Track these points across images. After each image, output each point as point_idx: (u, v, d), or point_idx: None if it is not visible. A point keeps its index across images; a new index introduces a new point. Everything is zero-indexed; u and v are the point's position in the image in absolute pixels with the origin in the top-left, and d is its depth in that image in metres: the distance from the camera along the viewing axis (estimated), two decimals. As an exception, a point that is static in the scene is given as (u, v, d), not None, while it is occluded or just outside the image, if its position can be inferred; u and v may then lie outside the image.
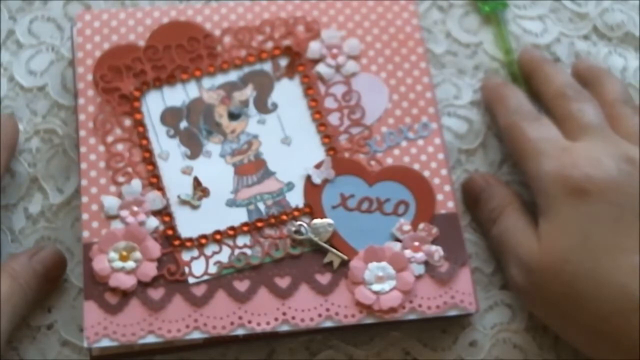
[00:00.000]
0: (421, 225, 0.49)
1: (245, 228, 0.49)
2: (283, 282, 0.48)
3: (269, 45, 0.54)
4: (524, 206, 0.51)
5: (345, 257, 0.49)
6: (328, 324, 0.47)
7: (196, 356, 0.49)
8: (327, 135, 0.52)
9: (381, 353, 0.50)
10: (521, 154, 0.51)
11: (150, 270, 0.47)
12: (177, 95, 0.52)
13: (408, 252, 0.49)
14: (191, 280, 0.48)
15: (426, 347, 0.50)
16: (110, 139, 0.51)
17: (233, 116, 0.52)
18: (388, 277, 0.48)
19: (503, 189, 0.53)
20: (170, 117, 0.52)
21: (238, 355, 0.50)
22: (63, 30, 0.57)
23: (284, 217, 0.50)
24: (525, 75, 0.56)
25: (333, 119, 0.52)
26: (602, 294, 0.45)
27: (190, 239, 0.49)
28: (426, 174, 0.51)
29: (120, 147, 0.50)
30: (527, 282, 0.48)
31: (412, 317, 0.48)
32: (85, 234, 0.48)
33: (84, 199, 0.49)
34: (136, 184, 0.49)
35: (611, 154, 0.48)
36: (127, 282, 0.47)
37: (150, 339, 0.46)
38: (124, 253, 0.48)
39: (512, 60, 0.57)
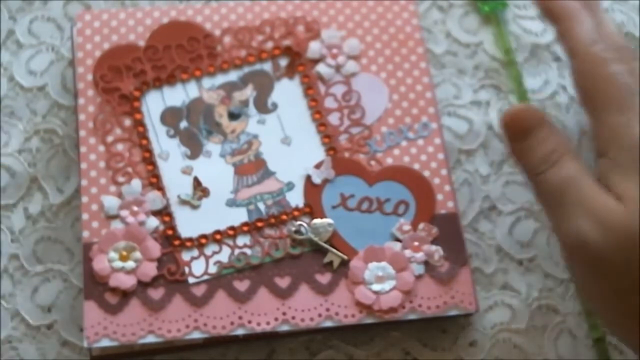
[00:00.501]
0: (421, 225, 0.49)
1: (245, 228, 0.49)
2: (283, 282, 0.48)
3: (269, 45, 0.54)
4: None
5: (345, 257, 0.49)
6: (328, 324, 0.47)
7: (196, 356, 0.49)
8: (327, 135, 0.52)
9: (381, 353, 0.50)
10: (604, 100, 0.46)
11: (150, 270, 0.47)
12: (177, 95, 0.52)
13: (408, 252, 0.49)
14: (191, 280, 0.48)
15: (426, 347, 0.50)
16: (110, 138, 0.51)
17: (233, 116, 0.52)
18: (388, 277, 0.48)
19: (560, 131, 0.47)
20: (170, 117, 0.52)
21: (238, 355, 0.50)
22: (63, 30, 0.57)
23: (284, 217, 0.50)
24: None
25: (333, 118, 0.52)
26: None
27: (190, 239, 0.49)
28: (426, 174, 0.51)
29: (120, 147, 0.51)
30: (606, 240, 0.42)
31: (412, 317, 0.48)
32: (85, 234, 0.48)
33: (84, 199, 0.49)
34: (136, 183, 0.49)
35: None
36: (127, 282, 0.47)
37: (150, 339, 0.46)
38: (124, 253, 0.48)
39: (512, 60, 0.57)
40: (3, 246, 0.51)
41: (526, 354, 0.50)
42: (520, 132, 0.47)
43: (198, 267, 0.48)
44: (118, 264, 0.47)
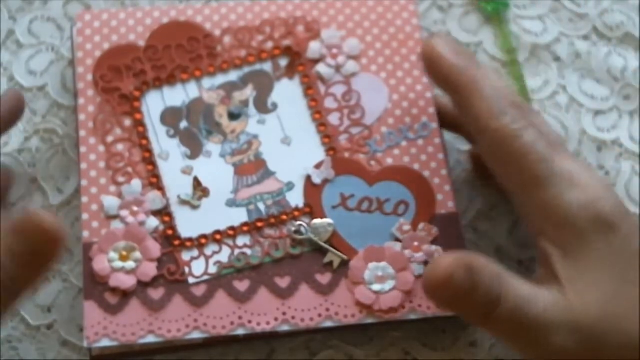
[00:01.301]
0: (421, 225, 0.49)
1: (245, 228, 0.49)
2: (283, 282, 0.48)
3: (269, 45, 0.54)
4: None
5: (345, 257, 0.49)
6: (328, 324, 0.47)
7: (196, 356, 0.49)
8: (327, 135, 0.52)
9: (381, 353, 0.50)
10: (525, 176, 0.44)
11: (150, 270, 0.47)
12: (177, 95, 0.52)
13: (408, 252, 0.49)
14: (191, 280, 0.48)
15: (426, 347, 0.50)
16: (110, 139, 0.51)
17: (233, 116, 0.52)
18: (388, 277, 0.48)
19: (482, 261, 0.42)
20: (170, 117, 0.52)
21: (238, 355, 0.50)
22: (63, 30, 0.57)
23: (284, 217, 0.50)
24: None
25: (333, 119, 0.52)
26: None
27: (190, 239, 0.49)
28: (426, 174, 0.51)
29: (120, 147, 0.50)
30: (579, 341, 0.41)
31: (412, 317, 0.48)
32: (85, 234, 0.48)
33: (84, 199, 0.49)
34: (136, 184, 0.49)
35: (601, 177, 0.45)
36: (127, 282, 0.47)
37: (150, 339, 0.46)
38: (124, 253, 0.48)
39: (514, 60, 0.57)
40: (3, 246, 0.51)
41: (526, 354, 0.50)
42: (452, 295, 0.42)
43: (198, 267, 0.48)
44: (118, 264, 0.47)
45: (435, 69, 0.47)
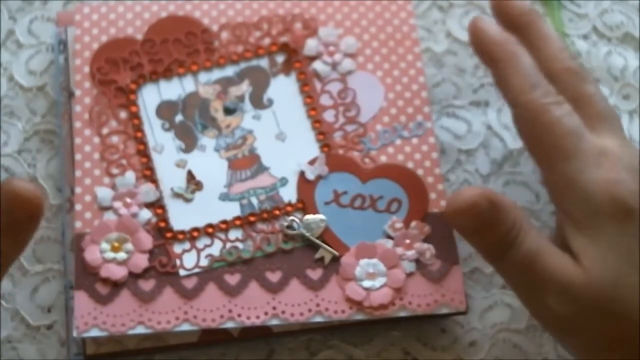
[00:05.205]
0: (413, 223, 0.49)
1: (237, 222, 0.49)
2: (274, 277, 0.48)
3: (266, 41, 0.54)
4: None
5: (337, 253, 0.49)
6: (318, 319, 0.47)
7: (196, 356, 0.49)
8: (322, 132, 0.52)
9: (381, 353, 0.50)
10: (550, 149, 0.44)
11: (141, 261, 0.48)
12: (173, 89, 0.53)
13: (399, 250, 0.49)
14: (182, 272, 0.48)
15: (426, 347, 0.50)
16: (105, 130, 0.51)
17: (228, 111, 0.52)
18: (379, 273, 0.48)
19: (509, 202, 0.44)
20: (165, 110, 0.52)
21: (238, 355, 0.50)
22: (63, 30, 0.57)
23: (277, 212, 0.50)
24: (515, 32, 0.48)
25: (328, 116, 0.52)
26: None
27: (182, 232, 0.49)
28: (420, 172, 0.51)
29: (115, 139, 0.51)
30: (572, 311, 0.42)
31: (402, 314, 0.48)
32: (78, 224, 0.48)
33: (78, 190, 0.49)
34: (130, 176, 0.50)
35: (632, 159, 0.44)
36: (118, 272, 0.47)
37: (140, 330, 0.46)
38: (116, 244, 0.48)
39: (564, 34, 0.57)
40: (3, 246, 0.52)
41: (526, 353, 0.50)
42: (477, 227, 0.44)
43: (189, 260, 0.48)
44: (110, 254, 0.48)
45: (478, 41, 0.48)
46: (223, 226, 0.49)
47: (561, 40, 0.48)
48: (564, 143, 0.44)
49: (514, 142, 0.55)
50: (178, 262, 0.48)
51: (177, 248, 0.48)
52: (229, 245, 0.49)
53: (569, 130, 0.44)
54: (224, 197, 0.50)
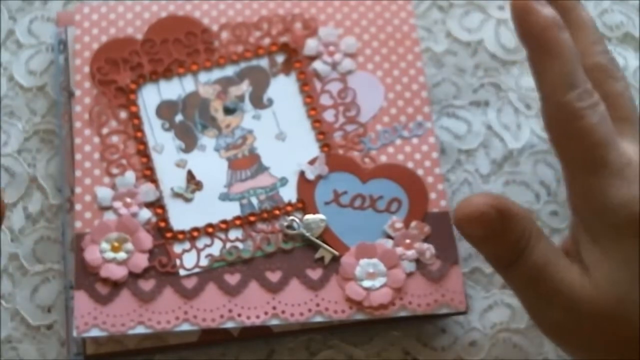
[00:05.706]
0: (413, 223, 0.49)
1: (237, 222, 0.49)
2: (274, 277, 0.48)
3: (266, 41, 0.54)
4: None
5: (337, 253, 0.49)
6: (318, 319, 0.47)
7: (196, 356, 0.49)
8: (322, 132, 0.52)
9: (381, 353, 0.50)
10: (578, 156, 0.42)
11: (141, 261, 0.48)
12: (173, 89, 0.53)
13: (399, 250, 0.49)
14: (182, 272, 0.48)
15: (426, 347, 0.50)
16: (105, 130, 0.51)
17: (228, 111, 0.52)
18: (379, 273, 0.48)
19: (519, 210, 0.42)
20: (165, 110, 0.52)
21: (238, 355, 0.50)
22: (63, 30, 0.57)
23: (277, 212, 0.50)
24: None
25: (328, 115, 0.52)
26: None
27: (182, 232, 0.49)
28: (419, 172, 0.51)
29: (115, 139, 0.51)
30: (576, 323, 0.41)
31: (402, 314, 0.48)
32: (78, 224, 0.49)
33: (78, 190, 0.49)
34: (130, 175, 0.50)
35: None
36: (118, 272, 0.47)
37: (140, 330, 0.46)
38: (116, 244, 0.48)
39: None
40: (3, 246, 0.51)
41: (526, 353, 0.50)
42: (478, 233, 0.42)
43: (189, 260, 0.48)
44: (109, 254, 0.48)
45: (521, 19, 0.43)
46: (223, 226, 0.49)
47: (596, 30, 0.46)
48: (593, 155, 0.42)
49: (514, 142, 0.55)
50: (178, 262, 0.48)
51: (177, 248, 0.48)
52: (229, 245, 0.49)
53: (599, 141, 0.41)
54: (224, 197, 0.50)
